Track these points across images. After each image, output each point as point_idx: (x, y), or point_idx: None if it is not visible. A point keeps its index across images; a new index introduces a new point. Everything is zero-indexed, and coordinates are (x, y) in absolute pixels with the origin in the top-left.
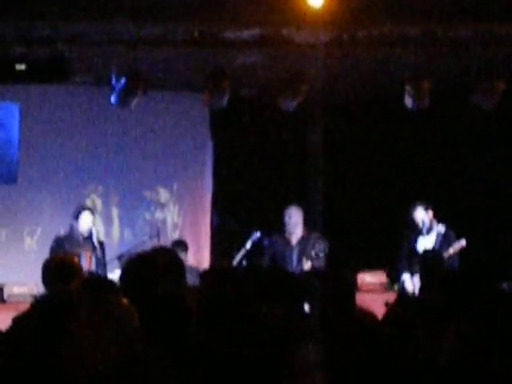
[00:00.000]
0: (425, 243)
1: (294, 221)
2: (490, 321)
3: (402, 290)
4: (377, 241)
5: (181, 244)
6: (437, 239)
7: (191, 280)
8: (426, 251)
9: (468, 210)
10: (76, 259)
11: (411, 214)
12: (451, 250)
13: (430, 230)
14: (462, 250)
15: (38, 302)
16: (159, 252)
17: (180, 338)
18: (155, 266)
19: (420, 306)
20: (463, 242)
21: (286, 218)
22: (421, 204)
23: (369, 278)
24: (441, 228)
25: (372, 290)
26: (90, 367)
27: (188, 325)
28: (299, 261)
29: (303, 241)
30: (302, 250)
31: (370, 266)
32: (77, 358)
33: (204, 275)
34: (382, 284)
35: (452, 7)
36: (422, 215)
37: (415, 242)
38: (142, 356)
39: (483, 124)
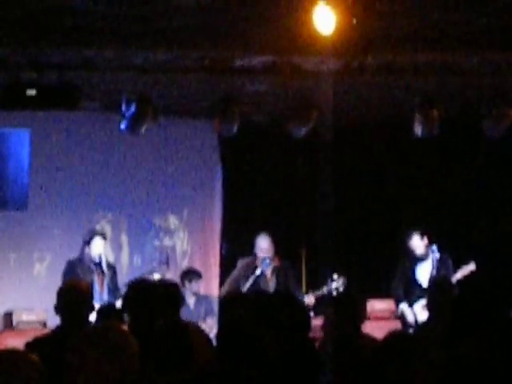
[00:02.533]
0: (422, 270)
1: (264, 250)
2: (498, 347)
3: (404, 322)
4: (387, 268)
5: (194, 273)
6: (433, 265)
7: (204, 308)
8: (434, 279)
9: (478, 239)
10: (88, 287)
11: (407, 243)
12: (459, 274)
13: (426, 257)
14: (470, 275)
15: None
16: (163, 283)
17: (180, 366)
18: (156, 294)
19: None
20: (472, 266)
21: (257, 247)
22: (416, 232)
23: (378, 306)
24: (436, 253)
25: (382, 318)
26: None
27: (188, 354)
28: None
29: (277, 270)
30: (277, 281)
31: (380, 294)
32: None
33: (225, 302)
34: (391, 311)
35: (462, 35)
36: (417, 243)
37: (413, 271)
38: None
39: (493, 151)
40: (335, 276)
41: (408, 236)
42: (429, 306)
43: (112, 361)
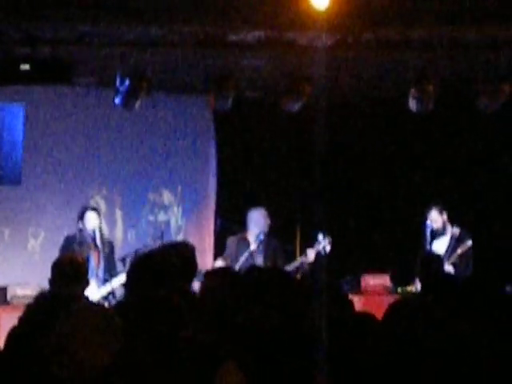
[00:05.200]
0: (439, 245)
1: (264, 222)
2: (490, 323)
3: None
4: (381, 243)
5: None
6: (450, 241)
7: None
8: (426, 255)
9: (472, 213)
10: (83, 260)
11: (426, 216)
12: (459, 251)
13: (443, 233)
14: (468, 251)
15: (40, 299)
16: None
17: (169, 338)
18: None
19: (419, 308)
20: (469, 243)
21: (253, 220)
22: (436, 206)
23: (372, 281)
24: (455, 230)
25: (376, 293)
26: (81, 368)
27: (176, 326)
28: (264, 265)
29: (265, 244)
30: (265, 255)
31: (374, 269)
32: (66, 357)
33: (206, 275)
34: (385, 287)
35: (457, 10)
36: (436, 217)
37: (431, 244)
38: (134, 353)
39: (487, 127)
40: (320, 237)
41: (427, 209)
42: (420, 279)
43: (101, 332)
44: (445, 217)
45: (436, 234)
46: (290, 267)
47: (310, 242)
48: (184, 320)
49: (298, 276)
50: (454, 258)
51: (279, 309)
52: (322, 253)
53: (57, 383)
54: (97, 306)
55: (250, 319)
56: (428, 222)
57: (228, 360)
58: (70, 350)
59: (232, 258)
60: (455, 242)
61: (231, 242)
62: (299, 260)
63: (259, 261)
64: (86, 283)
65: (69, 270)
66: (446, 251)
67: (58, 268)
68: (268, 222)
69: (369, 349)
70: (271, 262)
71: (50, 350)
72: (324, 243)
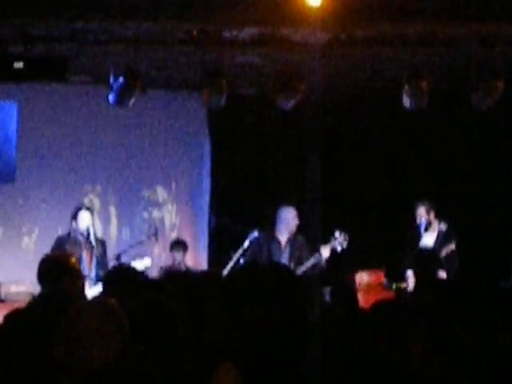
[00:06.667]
0: (426, 241)
1: (291, 221)
2: (484, 324)
3: (406, 287)
4: (375, 240)
5: (180, 244)
6: (437, 237)
7: None
8: (421, 250)
9: (465, 210)
10: (71, 257)
11: (415, 212)
12: (443, 253)
13: (431, 228)
14: (453, 253)
15: (35, 301)
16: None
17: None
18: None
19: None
20: (452, 246)
21: (284, 217)
22: (423, 203)
23: (367, 277)
24: (442, 226)
25: (370, 289)
26: (89, 363)
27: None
28: (289, 263)
29: (291, 242)
30: (291, 253)
31: (369, 265)
32: (75, 353)
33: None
34: (380, 283)
35: (451, 6)
36: (423, 213)
37: (418, 239)
38: (135, 353)
39: (482, 124)
40: (337, 233)
41: (415, 206)
42: (415, 276)
43: (116, 328)
44: (432, 214)
45: (424, 230)
46: (304, 266)
47: (325, 238)
48: (181, 322)
49: (315, 273)
50: (440, 255)
51: (279, 307)
52: (338, 249)
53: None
54: (101, 303)
55: (249, 318)
56: (417, 218)
57: (225, 361)
58: (79, 352)
59: (258, 255)
60: (442, 238)
61: (257, 238)
62: (313, 258)
63: (285, 259)
64: (83, 280)
65: (56, 268)
66: (434, 248)
67: (44, 266)
68: (296, 221)
69: (365, 347)
70: (296, 260)
71: (57, 352)
72: (340, 239)
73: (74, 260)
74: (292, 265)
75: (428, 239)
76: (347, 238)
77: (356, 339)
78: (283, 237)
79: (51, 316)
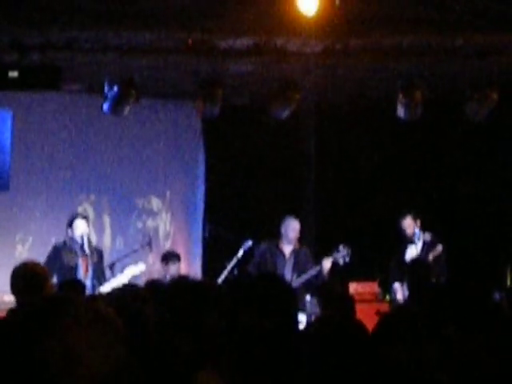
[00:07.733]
0: (411, 252)
1: (295, 233)
2: (478, 331)
3: (393, 300)
4: (368, 251)
5: (173, 255)
6: (422, 247)
7: None
8: (413, 261)
9: (458, 220)
10: (43, 268)
11: (400, 224)
12: (430, 256)
13: (415, 239)
14: (440, 256)
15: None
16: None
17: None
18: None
19: (408, 317)
20: (440, 248)
21: (290, 229)
22: (409, 213)
23: (360, 288)
24: (427, 236)
25: (364, 300)
26: (85, 369)
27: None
28: (292, 274)
29: (295, 254)
30: (295, 264)
31: (362, 277)
32: (69, 360)
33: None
34: (373, 294)
35: (445, 17)
36: (409, 224)
37: (404, 251)
38: (130, 361)
39: (476, 134)
40: (340, 246)
41: (402, 217)
42: (408, 287)
43: (112, 334)
44: (418, 224)
45: (409, 241)
46: (301, 278)
47: (328, 250)
48: (165, 328)
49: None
50: (428, 259)
51: (270, 315)
52: (341, 262)
53: None
54: (99, 312)
55: (239, 326)
56: (405, 229)
57: (207, 368)
58: (80, 360)
59: (263, 265)
60: (427, 247)
61: (262, 249)
62: (313, 269)
63: (288, 270)
64: (82, 288)
65: (29, 280)
66: (421, 259)
67: (16, 278)
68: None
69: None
70: (299, 271)
71: (55, 361)
72: (344, 253)
73: (45, 270)
74: (295, 276)
75: (413, 250)
76: (350, 252)
77: (355, 349)
78: (287, 248)
79: (34, 327)
